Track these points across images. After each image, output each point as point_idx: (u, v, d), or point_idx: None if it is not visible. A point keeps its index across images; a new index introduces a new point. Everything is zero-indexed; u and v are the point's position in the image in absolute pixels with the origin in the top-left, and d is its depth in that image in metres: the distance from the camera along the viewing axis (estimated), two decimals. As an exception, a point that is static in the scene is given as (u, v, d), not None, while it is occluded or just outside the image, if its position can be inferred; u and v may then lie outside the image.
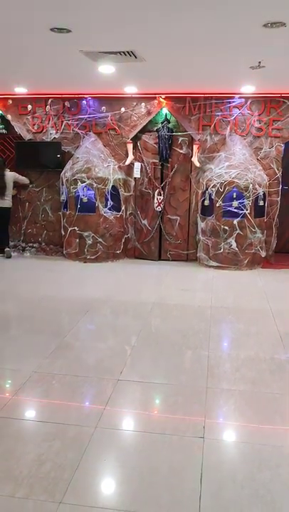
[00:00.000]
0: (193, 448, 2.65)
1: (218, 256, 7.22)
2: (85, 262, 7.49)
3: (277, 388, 3.41)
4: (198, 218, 7.49)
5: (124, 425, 2.96)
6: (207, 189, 7.20)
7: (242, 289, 6.18)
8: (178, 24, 3.77)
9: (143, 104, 7.39)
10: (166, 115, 7.34)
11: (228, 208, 7.14)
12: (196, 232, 7.61)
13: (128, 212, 7.76)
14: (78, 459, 2.53)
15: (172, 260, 7.76)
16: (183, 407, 3.10)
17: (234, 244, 7.12)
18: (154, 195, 7.56)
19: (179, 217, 7.65)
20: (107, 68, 5.36)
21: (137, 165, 7.58)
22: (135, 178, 7.64)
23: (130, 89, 7.00)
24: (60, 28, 3.90)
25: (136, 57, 4.73)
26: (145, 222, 7.73)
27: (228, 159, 7.17)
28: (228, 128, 7.31)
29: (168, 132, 7.30)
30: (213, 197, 7.13)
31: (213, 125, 7.32)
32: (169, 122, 7.35)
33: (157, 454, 2.61)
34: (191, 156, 7.35)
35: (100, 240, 7.46)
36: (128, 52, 4.49)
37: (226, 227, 7.10)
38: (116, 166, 7.56)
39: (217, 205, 7.10)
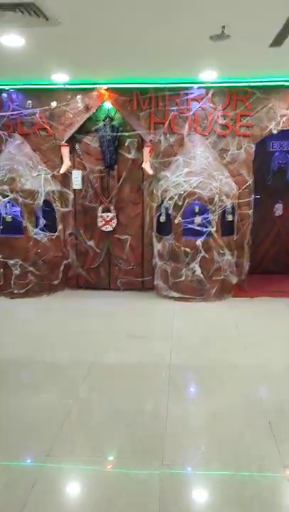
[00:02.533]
0: None
1: (180, 285, 5.78)
2: (11, 298, 5.90)
3: None
4: (154, 238, 6.04)
5: None
6: (163, 202, 5.77)
7: (210, 332, 4.75)
8: None
9: (79, 97, 5.89)
10: (108, 111, 5.88)
11: (190, 226, 5.73)
12: (152, 256, 6.16)
13: (67, 233, 6.24)
14: None
15: (124, 290, 6.28)
16: None
17: (198, 270, 5.70)
18: (102, 211, 6.08)
19: (129, 237, 6.18)
20: (12, 40, 3.85)
21: (76, 173, 6.08)
22: (75, 189, 6.13)
23: (60, 77, 5.50)
24: None
25: (46, 18, 3.24)
26: (91, 243, 6.22)
27: (187, 164, 5.77)
28: (187, 126, 5.91)
29: (112, 132, 5.84)
30: (170, 211, 5.71)
31: (167, 122, 5.91)
32: (112, 120, 5.89)
33: None
34: (142, 162, 5.91)
35: (31, 268, 5.90)
36: (29, 6, 3.00)
37: (188, 249, 5.68)
38: (49, 176, 6.03)
39: (176, 221, 5.67)
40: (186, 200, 5.59)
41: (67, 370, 3.81)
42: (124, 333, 4.71)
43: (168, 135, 5.95)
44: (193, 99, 5.87)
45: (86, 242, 6.24)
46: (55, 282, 6.16)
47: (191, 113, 5.89)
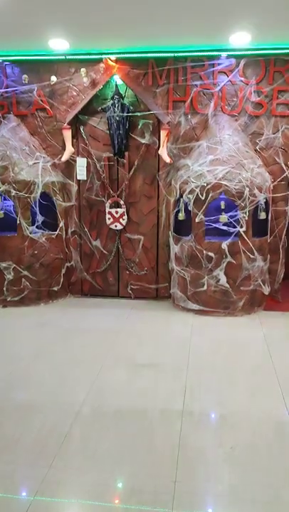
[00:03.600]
0: None
1: (201, 295, 4.83)
2: (4, 307, 5.07)
3: None
4: (171, 239, 5.09)
5: None
6: (182, 196, 4.81)
7: (236, 361, 3.79)
8: None
9: (83, 70, 4.95)
10: (118, 87, 4.93)
11: (214, 225, 4.76)
12: (169, 259, 5.22)
13: (70, 231, 5.35)
14: None
15: (136, 298, 5.37)
16: None
17: (223, 278, 4.73)
18: (110, 206, 5.16)
19: (142, 237, 5.24)
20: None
21: (81, 161, 5.17)
22: (79, 180, 5.23)
23: (59, 45, 4.57)
24: None
25: None
26: (97, 243, 5.32)
27: (211, 151, 4.78)
28: (212, 104, 4.91)
29: (122, 112, 4.89)
30: (190, 207, 4.74)
31: (189, 100, 4.92)
32: (123, 98, 4.94)
33: None
34: (158, 148, 4.96)
35: (26, 272, 5.04)
36: None
37: (211, 253, 4.71)
38: (48, 164, 5.14)
39: (197, 219, 4.70)
40: (210, 194, 4.61)
41: (45, 419, 2.92)
42: (128, 359, 3.80)
43: (189, 116, 4.96)
44: (221, 72, 4.86)
45: (92, 242, 5.33)
46: (55, 288, 5.29)
47: (218, 89, 4.88)
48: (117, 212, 5.12)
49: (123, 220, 5.13)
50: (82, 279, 5.47)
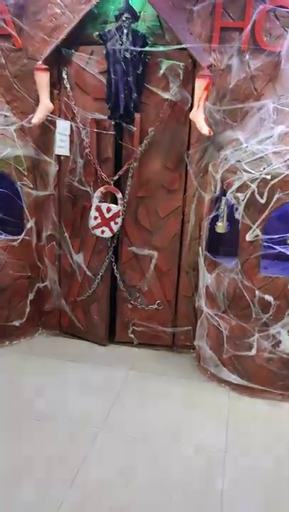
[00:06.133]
0: None
1: (246, 362, 2.88)
2: None
3: None
4: (202, 260, 3.11)
5: None
6: (225, 193, 2.81)
7: None
8: None
9: None
10: (128, 0, 2.87)
11: (279, 248, 2.77)
12: (196, 291, 3.26)
13: (44, 235, 3.43)
14: None
15: (140, 344, 3.46)
16: None
17: (287, 342, 2.76)
18: (102, 199, 3.19)
19: (155, 253, 3.27)
20: None
21: (63, 126, 3.20)
22: (60, 157, 3.27)
23: None
24: None
25: None
26: (79, 258, 3.38)
27: (283, 118, 2.75)
28: (289, 36, 2.83)
29: (134, 44, 2.86)
30: (239, 215, 2.74)
31: (249, 28, 2.83)
32: (136, 19, 2.89)
33: None
34: (191, 109, 2.94)
35: None
36: None
37: (269, 297, 2.73)
38: (12, 128, 3.19)
39: (249, 237, 2.71)
40: (277, 195, 2.60)
41: None
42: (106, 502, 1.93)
43: (247, 55, 2.89)
44: (311, -24, 2.75)
45: (72, 254, 3.40)
46: (17, 323, 3.41)
47: (302, 8, 2.79)
48: (109, 210, 3.14)
49: (116, 223, 3.15)
50: (62, 310, 3.58)
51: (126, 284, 3.36)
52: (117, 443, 2.43)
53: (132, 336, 3.46)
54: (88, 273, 3.36)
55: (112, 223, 3.16)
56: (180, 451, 2.39)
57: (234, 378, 2.94)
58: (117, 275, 3.33)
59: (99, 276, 3.33)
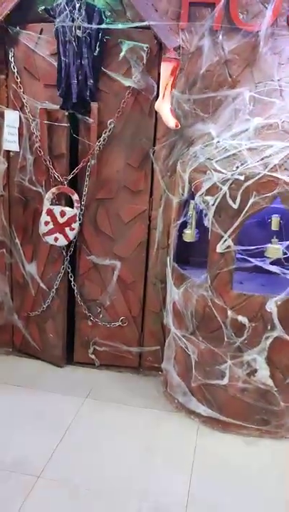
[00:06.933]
0: None
1: (217, 392, 2.48)
2: None
3: None
4: (169, 271, 2.70)
5: None
6: (193, 197, 2.41)
7: None
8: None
9: None
10: None
11: (254, 261, 2.37)
12: (164, 305, 2.86)
13: (-7, 241, 3.02)
14: None
15: (103, 366, 3.05)
16: None
17: (264, 369, 2.36)
18: (54, 201, 2.78)
19: (118, 263, 2.87)
20: None
21: (12, 117, 2.78)
22: (9, 152, 2.85)
23: None
24: None
25: None
26: (32, 268, 2.97)
27: (261, 109, 2.36)
28: (269, 13, 2.41)
29: (89, 21, 2.44)
30: (208, 221, 2.33)
31: (223, 2, 2.42)
32: (91, -9, 2.48)
33: None
34: (156, 98, 2.53)
35: None
36: None
37: (243, 318, 2.32)
38: None
39: (220, 248, 2.30)
40: (251, 199, 2.20)
41: None
42: None
43: (221, 35, 2.48)
44: None
45: (24, 265, 2.99)
46: None
47: (283, -20, 2.39)
48: (63, 214, 2.73)
49: (72, 230, 2.74)
50: (14, 325, 3.16)
51: (85, 298, 2.95)
52: (56, 495, 2.02)
53: (92, 356, 3.05)
54: (42, 285, 2.95)
55: (67, 229, 2.75)
56: (130, 507, 1.98)
57: (204, 410, 2.54)
58: (75, 288, 2.92)
59: (54, 289, 2.91)
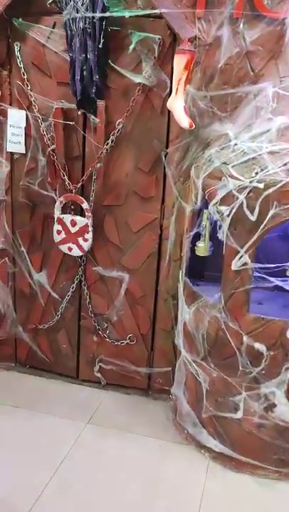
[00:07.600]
0: None
1: (230, 426, 2.20)
2: None
3: None
4: (181, 287, 2.44)
5: None
6: (207, 206, 2.14)
7: None
8: None
9: None
10: None
11: (275, 281, 2.07)
12: (175, 323, 2.60)
13: (-4, 249, 2.84)
14: None
15: (108, 387, 2.82)
16: None
17: (284, 406, 2.06)
18: (63, 208, 2.57)
19: (126, 276, 2.63)
20: None
21: (17, 117, 2.59)
22: (13, 154, 2.66)
23: None
24: None
25: None
26: (42, 277, 2.77)
27: (285, 107, 2.06)
28: (298, -3, 2.12)
29: (93, 10, 2.21)
30: (222, 234, 2.06)
31: (243, -13, 2.15)
32: (98, -23, 2.24)
33: None
34: (169, 95, 2.27)
35: None
36: None
37: (261, 345, 2.04)
38: None
39: (235, 265, 2.02)
40: (272, 209, 1.91)
41: None
42: None
43: (242, 24, 2.20)
44: None
45: (32, 274, 2.79)
46: None
47: None
48: (74, 224, 2.52)
49: (85, 240, 2.53)
50: (17, 338, 2.97)
51: (91, 309, 2.73)
52: None
53: (98, 374, 2.82)
54: (54, 294, 2.76)
55: (80, 239, 2.55)
56: None
57: (215, 444, 2.27)
58: (88, 297, 2.71)
59: (67, 298, 2.71)
